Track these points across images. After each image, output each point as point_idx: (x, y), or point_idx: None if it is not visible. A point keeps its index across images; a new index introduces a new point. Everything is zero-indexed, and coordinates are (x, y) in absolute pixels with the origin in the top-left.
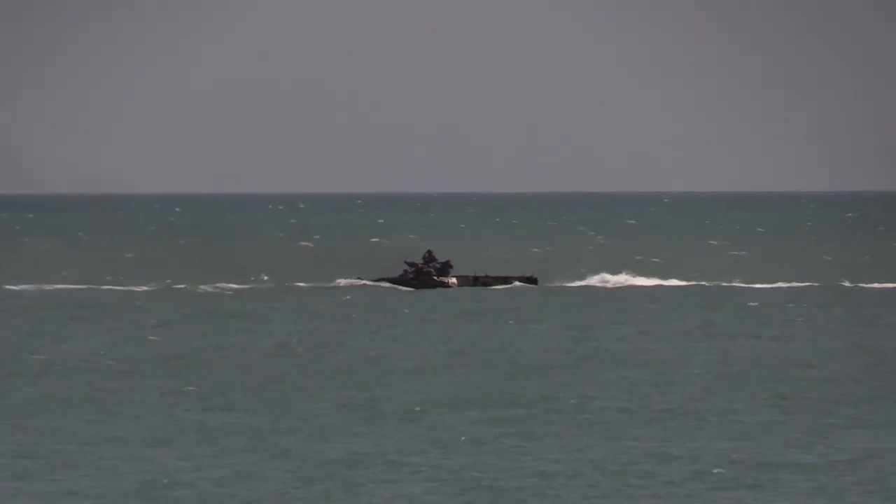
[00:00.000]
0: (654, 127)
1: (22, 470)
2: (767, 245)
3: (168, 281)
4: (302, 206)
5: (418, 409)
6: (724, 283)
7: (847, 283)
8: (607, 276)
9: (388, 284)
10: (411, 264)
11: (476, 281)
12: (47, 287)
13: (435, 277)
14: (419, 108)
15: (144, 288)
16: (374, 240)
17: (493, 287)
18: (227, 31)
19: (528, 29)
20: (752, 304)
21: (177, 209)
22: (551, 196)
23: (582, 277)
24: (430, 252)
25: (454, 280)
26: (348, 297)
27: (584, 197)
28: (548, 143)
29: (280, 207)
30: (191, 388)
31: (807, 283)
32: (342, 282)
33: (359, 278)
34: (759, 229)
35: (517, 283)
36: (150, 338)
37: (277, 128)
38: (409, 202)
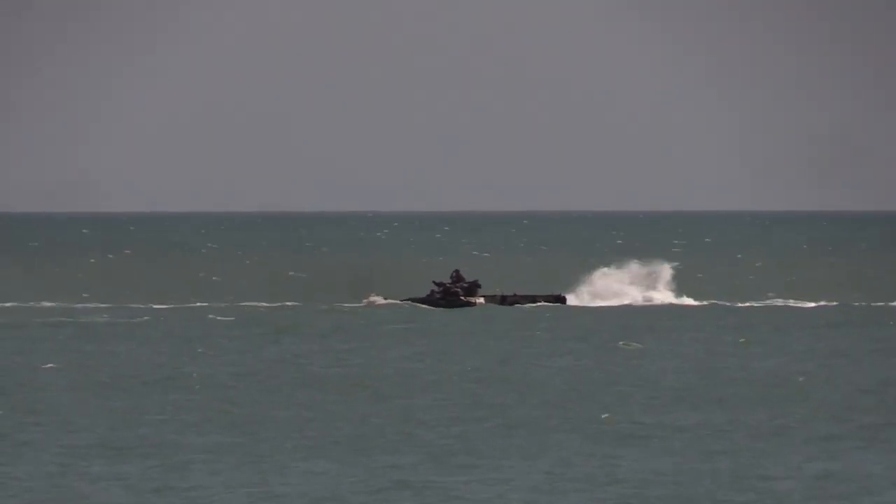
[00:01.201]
0: (681, 144)
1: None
2: (818, 264)
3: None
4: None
5: (423, 426)
6: (775, 302)
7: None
8: (649, 294)
9: (415, 304)
10: (439, 284)
11: (504, 300)
12: (131, 306)
13: (462, 297)
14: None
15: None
16: (440, 258)
17: (520, 306)
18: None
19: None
20: (783, 323)
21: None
22: (591, 215)
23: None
24: (457, 272)
25: (481, 300)
26: (373, 315)
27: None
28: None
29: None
30: (202, 405)
31: (859, 303)
32: (369, 301)
33: (385, 298)
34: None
35: (545, 303)
36: (172, 356)
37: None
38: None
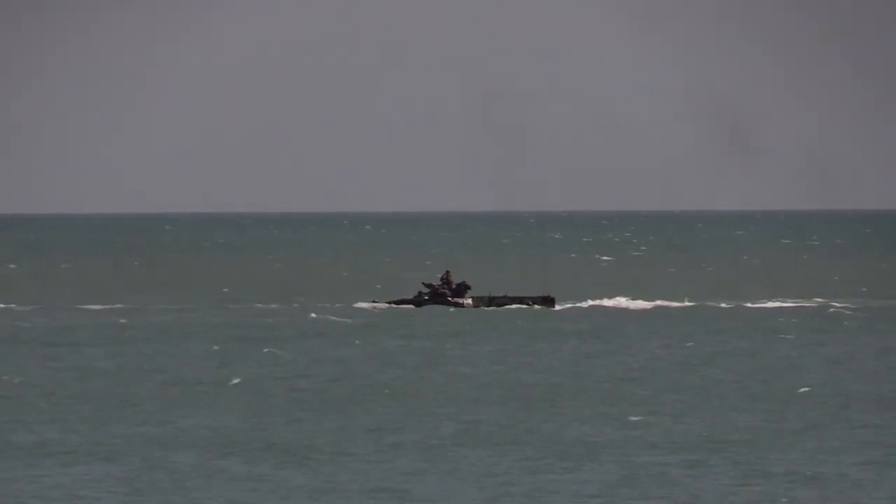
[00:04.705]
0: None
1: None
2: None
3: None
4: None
5: (396, 438)
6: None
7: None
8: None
9: (402, 307)
10: (428, 285)
11: (492, 301)
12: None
13: (450, 298)
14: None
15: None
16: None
17: (508, 307)
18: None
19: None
20: (767, 324)
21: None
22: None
23: (597, 298)
24: (447, 273)
25: (469, 301)
26: (360, 319)
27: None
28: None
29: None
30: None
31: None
32: (361, 305)
33: (373, 301)
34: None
35: (533, 304)
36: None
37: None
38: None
